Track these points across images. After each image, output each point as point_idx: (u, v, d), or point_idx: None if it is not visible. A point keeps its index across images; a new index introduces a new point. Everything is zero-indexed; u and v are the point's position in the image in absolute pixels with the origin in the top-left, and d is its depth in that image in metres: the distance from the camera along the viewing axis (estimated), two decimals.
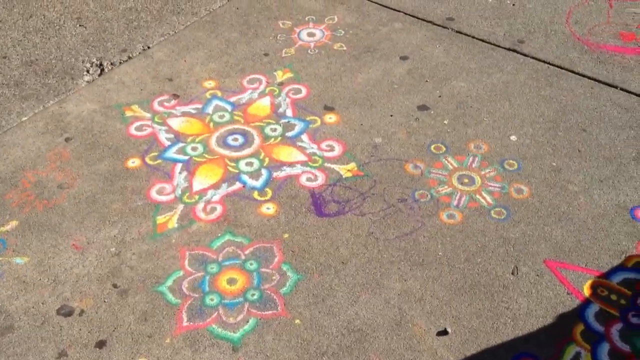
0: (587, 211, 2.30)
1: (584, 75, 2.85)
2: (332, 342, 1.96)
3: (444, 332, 1.98)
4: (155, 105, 2.77)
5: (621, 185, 2.38)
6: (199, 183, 2.43)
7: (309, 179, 2.45)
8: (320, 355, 1.93)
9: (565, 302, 2.04)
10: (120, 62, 3.01)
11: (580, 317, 2.00)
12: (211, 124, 2.67)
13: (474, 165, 2.48)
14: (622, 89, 2.77)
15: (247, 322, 2.00)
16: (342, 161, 2.52)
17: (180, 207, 2.34)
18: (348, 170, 2.49)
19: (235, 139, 2.61)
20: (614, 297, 2.04)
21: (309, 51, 3.05)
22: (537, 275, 2.12)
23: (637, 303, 2.03)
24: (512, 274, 2.13)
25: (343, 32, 3.17)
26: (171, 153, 2.55)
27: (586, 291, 2.06)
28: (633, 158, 2.48)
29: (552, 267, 2.14)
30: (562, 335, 1.95)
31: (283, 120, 2.69)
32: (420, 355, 1.92)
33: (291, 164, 2.50)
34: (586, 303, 2.03)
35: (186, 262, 2.17)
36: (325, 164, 2.51)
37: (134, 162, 2.51)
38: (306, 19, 3.26)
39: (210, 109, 2.75)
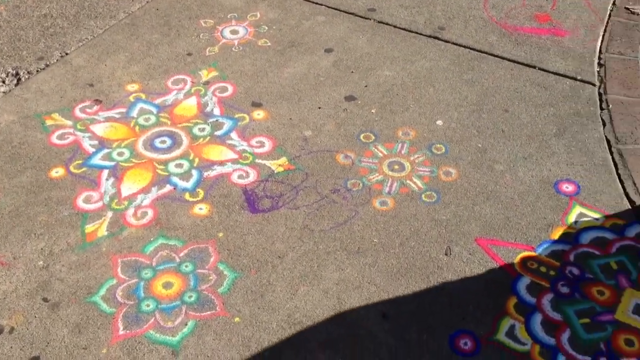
0: (514, 188, 2.37)
1: (503, 58, 2.92)
2: (273, 337, 1.95)
3: (382, 317, 2.00)
4: (77, 112, 2.69)
5: (544, 161, 2.46)
6: (127, 188, 2.38)
7: (240, 177, 2.43)
8: (262, 351, 1.92)
9: (498, 277, 2.09)
10: (37, 71, 2.91)
11: (513, 290, 2.05)
12: (137, 128, 2.62)
13: (403, 152, 2.52)
14: (540, 69, 2.86)
15: (186, 324, 1.97)
16: (273, 156, 2.51)
17: (109, 214, 2.29)
18: (279, 165, 2.48)
19: (163, 141, 2.56)
20: (543, 269, 2.11)
21: (233, 49, 3.03)
22: (470, 254, 2.16)
23: (565, 273, 2.09)
24: (446, 254, 2.17)
25: (266, 27, 3.16)
26: (96, 160, 2.48)
27: (517, 265, 2.12)
28: (554, 134, 2.56)
29: (483, 245, 2.19)
30: (496, 309, 2.00)
31: (211, 120, 2.66)
32: (361, 341, 1.94)
33: (222, 163, 2.48)
34: (517, 277, 2.09)
35: (119, 269, 2.12)
36: (257, 160, 2.49)
37: (57, 172, 2.44)
38: (228, 16, 3.24)
39: (135, 113, 2.69)
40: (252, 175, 2.43)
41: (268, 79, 2.86)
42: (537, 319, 1.98)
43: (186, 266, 2.13)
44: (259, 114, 2.69)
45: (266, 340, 1.94)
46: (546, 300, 2.02)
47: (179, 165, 2.47)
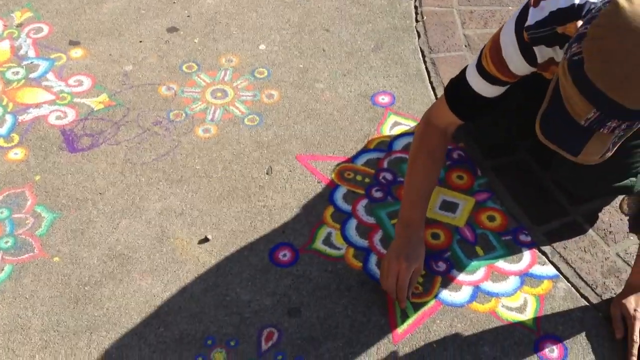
0: (333, 105, 2.44)
1: None
2: (94, 271, 1.95)
3: (204, 240, 2.04)
4: None
5: (362, 76, 2.54)
6: None
7: (58, 117, 2.36)
8: (83, 286, 1.92)
9: (316, 190, 2.17)
10: None
11: (330, 201, 2.14)
12: None
13: (226, 79, 2.52)
14: None
15: (2, 270, 1.94)
16: (92, 94, 2.45)
17: None
18: (99, 102, 2.43)
19: None
20: (359, 177, 2.21)
21: None
22: (290, 170, 2.23)
23: (379, 179, 2.20)
24: (267, 174, 2.22)
25: None
26: None
27: (335, 177, 2.21)
28: (372, 49, 2.64)
29: (303, 161, 2.26)
30: (314, 220, 2.09)
31: (25, 62, 2.55)
32: (184, 265, 1.98)
33: (38, 105, 2.40)
34: (335, 188, 2.18)
35: None
36: (75, 100, 2.42)
37: None
38: None
39: None
40: (71, 115, 2.37)
41: (86, 16, 2.76)
42: (352, 224, 2.08)
43: (1, 212, 2.07)
44: (76, 53, 2.60)
45: (87, 275, 1.94)
46: (361, 206, 2.13)
47: None
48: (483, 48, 1.74)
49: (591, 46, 1.30)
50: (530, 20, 1.57)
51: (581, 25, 1.36)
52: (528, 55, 1.63)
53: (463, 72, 1.83)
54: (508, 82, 1.74)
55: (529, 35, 1.59)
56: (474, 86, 1.78)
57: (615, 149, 1.43)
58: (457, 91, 1.85)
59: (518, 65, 1.67)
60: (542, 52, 1.61)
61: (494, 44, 1.69)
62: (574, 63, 1.33)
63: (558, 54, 1.60)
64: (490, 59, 1.70)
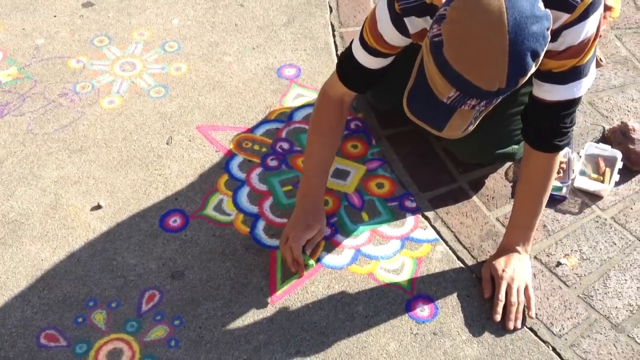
0: (239, 77, 2.48)
1: None
2: None
3: (97, 207, 2.08)
4: None
5: (271, 50, 2.58)
6: None
7: None
8: None
9: (213, 159, 2.22)
10: None
11: (225, 169, 2.19)
12: None
13: (136, 52, 2.55)
14: None
15: None
16: (1, 67, 2.48)
17: None
18: (8, 75, 2.46)
19: None
20: (257, 147, 2.25)
21: None
22: (190, 140, 2.27)
23: (276, 148, 2.25)
24: (167, 143, 2.26)
25: None
26: None
27: (232, 147, 2.25)
28: (283, 24, 2.68)
29: (203, 132, 2.30)
30: (207, 188, 2.13)
31: None
32: (74, 231, 2.02)
33: None
34: (231, 157, 2.22)
35: None
36: None
37: None
38: None
39: None
40: None
41: None
42: (244, 191, 2.13)
43: None
44: None
45: None
46: (255, 174, 2.17)
47: None
48: (365, 21, 1.78)
49: (449, 29, 1.34)
50: None
51: (442, 5, 1.40)
52: (399, 26, 1.66)
53: (350, 45, 1.86)
54: (389, 53, 1.78)
55: (400, 6, 1.62)
56: (359, 59, 1.81)
57: (477, 122, 1.47)
58: (345, 64, 1.88)
59: (393, 37, 1.70)
60: (413, 23, 1.64)
61: (372, 17, 1.72)
62: (434, 44, 1.37)
63: (430, 23, 1.64)
64: (370, 32, 1.74)
